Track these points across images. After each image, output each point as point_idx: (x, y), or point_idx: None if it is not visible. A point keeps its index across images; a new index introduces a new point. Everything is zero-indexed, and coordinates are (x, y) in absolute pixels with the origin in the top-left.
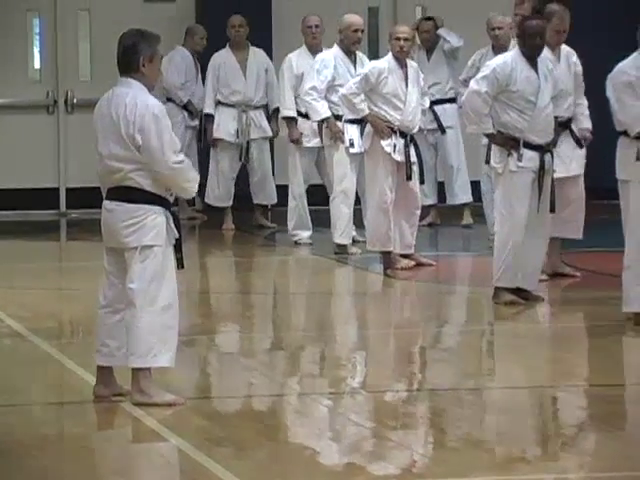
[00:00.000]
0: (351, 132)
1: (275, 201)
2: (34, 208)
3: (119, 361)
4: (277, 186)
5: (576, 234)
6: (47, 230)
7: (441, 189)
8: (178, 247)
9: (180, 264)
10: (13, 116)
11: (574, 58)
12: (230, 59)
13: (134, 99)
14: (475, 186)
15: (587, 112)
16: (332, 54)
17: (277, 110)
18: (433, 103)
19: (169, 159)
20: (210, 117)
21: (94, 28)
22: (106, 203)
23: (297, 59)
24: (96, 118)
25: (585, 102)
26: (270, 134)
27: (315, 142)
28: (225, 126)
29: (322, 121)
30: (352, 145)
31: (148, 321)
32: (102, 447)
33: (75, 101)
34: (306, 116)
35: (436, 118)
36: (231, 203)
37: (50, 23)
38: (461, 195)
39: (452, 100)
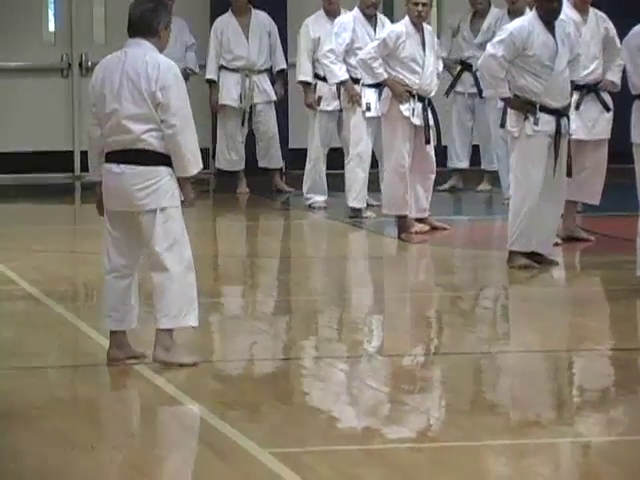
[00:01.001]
0: (368, 96)
1: (280, 165)
2: (49, 171)
3: (128, 324)
4: (292, 150)
5: (593, 199)
6: (62, 193)
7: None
8: None
9: None
10: (28, 79)
11: (605, 23)
12: (232, 24)
13: (154, 58)
14: None
15: (618, 69)
16: (351, 17)
17: (281, 72)
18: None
19: (186, 120)
20: (213, 83)
21: None
22: (112, 166)
23: (313, 24)
24: (102, 78)
25: (620, 62)
26: (274, 98)
27: (334, 105)
28: (229, 91)
29: (340, 84)
30: (369, 109)
31: (179, 282)
32: (116, 410)
33: (89, 64)
34: (325, 79)
35: (477, 83)
36: (243, 167)
37: None
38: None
39: None
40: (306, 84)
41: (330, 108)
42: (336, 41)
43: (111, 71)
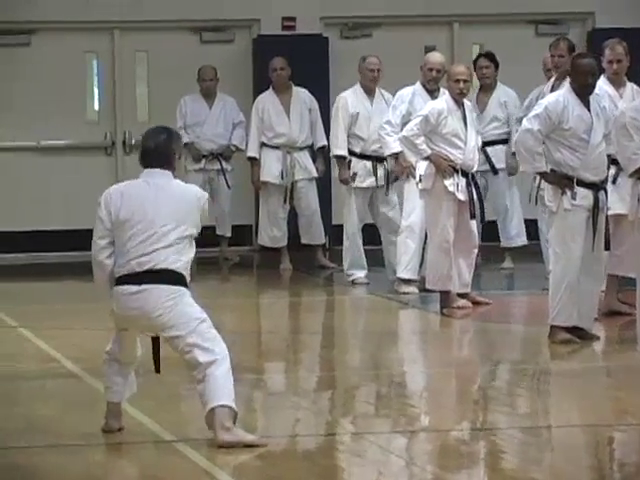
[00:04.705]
0: (422, 168)
1: (322, 241)
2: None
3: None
4: (335, 226)
5: (634, 272)
6: None
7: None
8: (156, 349)
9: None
10: (72, 157)
11: None
12: (273, 101)
13: (180, 186)
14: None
15: None
16: (412, 89)
17: (322, 149)
18: (485, 144)
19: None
20: (254, 160)
21: (152, 69)
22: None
23: (352, 98)
24: (127, 207)
25: None
26: (315, 175)
27: (369, 182)
28: (270, 168)
29: (395, 155)
30: (421, 181)
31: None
32: None
33: (133, 142)
34: (360, 156)
35: (488, 159)
36: (286, 243)
37: (108, 65)
38: (516, 238)
39: (505, 141)
40: (341, 158)
41: (365, 185)
42: (393, 113)
43: (140, 201)
